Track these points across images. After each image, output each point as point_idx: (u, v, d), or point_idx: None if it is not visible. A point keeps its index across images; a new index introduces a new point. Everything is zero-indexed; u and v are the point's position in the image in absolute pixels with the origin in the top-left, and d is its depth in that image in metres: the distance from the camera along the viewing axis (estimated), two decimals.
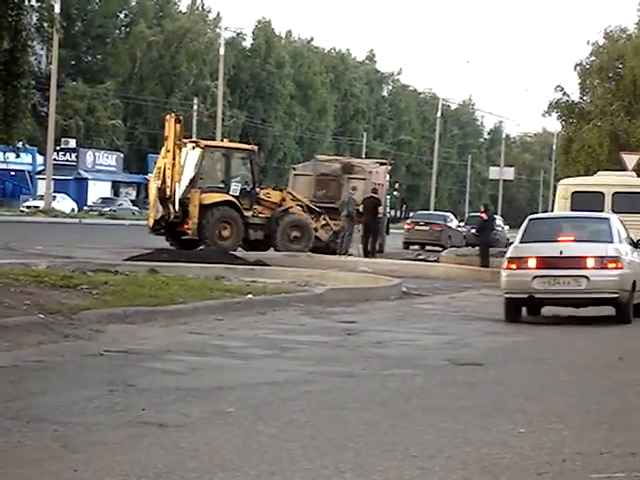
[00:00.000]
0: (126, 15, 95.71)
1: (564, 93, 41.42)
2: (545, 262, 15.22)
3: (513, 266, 15.35)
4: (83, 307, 12.41)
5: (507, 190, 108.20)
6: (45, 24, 15.29)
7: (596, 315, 16.60)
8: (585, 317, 16.63)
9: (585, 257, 15.20)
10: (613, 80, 41.27)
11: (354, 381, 9.33)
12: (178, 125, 29.31)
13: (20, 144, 15.90)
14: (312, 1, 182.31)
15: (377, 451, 6.49)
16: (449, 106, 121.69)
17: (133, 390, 8.29)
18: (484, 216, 31.90)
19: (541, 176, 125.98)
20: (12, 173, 75.17)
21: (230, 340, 11.72)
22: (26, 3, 14.76)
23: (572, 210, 20.54)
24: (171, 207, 29.21)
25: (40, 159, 72.62)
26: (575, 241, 15.56)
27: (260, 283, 17.72)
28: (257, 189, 30.83)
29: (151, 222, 29.87)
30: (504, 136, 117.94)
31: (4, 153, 16.06)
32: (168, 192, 29.22)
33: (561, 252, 15.24)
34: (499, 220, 54.52)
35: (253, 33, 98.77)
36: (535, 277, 15.16)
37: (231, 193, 30.02)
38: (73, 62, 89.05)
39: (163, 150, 29.91)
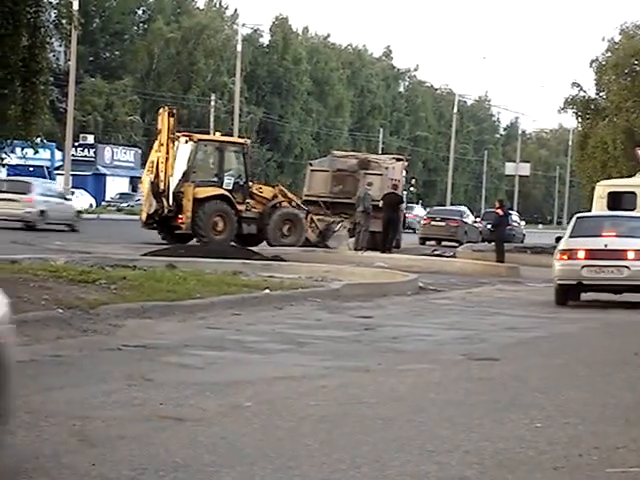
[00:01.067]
0: (144, 12, 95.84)
1: (580, 89, 41.29)
2: (592, 254, 17.60)
3: (565, 257, 17.74)
4: (101, 302, 12.46)
5: (523, 186, 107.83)
6: (63, 21, 15.37)
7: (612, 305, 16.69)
8: (600, 314, 16.67)
9: (626, 250, 17.57)
10: (629, 76, 41.10)
11: (370, 376, 9.35)
12: (172, 119, 29.17)
13: (38, 140, 15.96)
14: None
15: (393, 446, 6.52)
16: (465, 102, 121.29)
17: (151, 384, 8.33)
18: (499, 212, 31.90)
19: (557, 172, 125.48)
20: (31, 169, 75.22)
21: (247, 335, 11.75)
22: (44, 0, 14.82)
23: (608, 208, 22.62)
24: (165, 201, 29.09)
25: (58, 155, 72.74)
26: (617, 236, 17.90)
27: (277, 278, 17.76)
28: (250, 183, 30.75)
29: (144, 216, 29.73)
30: (520, 132, 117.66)
31: (23, 149, 16.11)
32: (162, 186, 29.09)
33: (605, 245, 17.63)
34: (515, 216, 54.47)
35: (270, 30, 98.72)
36: (584, 266, 17.53)
37: (224, 187, 29.92)
38: (91, 58, 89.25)
39: (156, 144, 29.80)
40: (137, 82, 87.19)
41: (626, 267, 17.39)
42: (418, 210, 68.00)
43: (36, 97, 14.62)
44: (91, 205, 68.84)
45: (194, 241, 29.42)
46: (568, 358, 11.10)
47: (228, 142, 32.00)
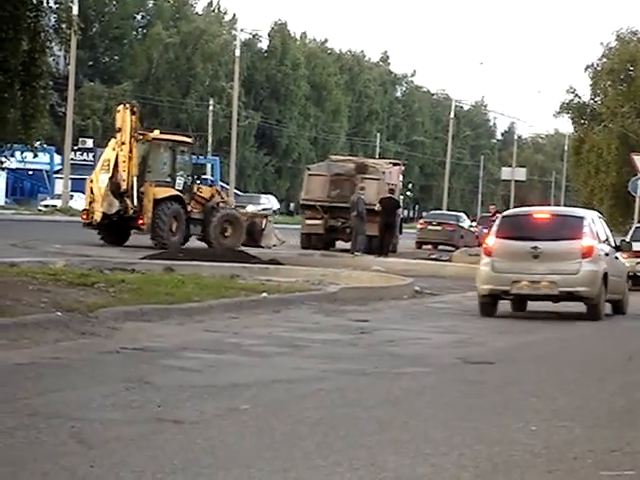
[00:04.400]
0: (143, 17, 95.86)
1: (576, 94, 41.37)
2: None
3: (624, 256, 21.88)
4: (100, 305, 12.49)
5: (519, 190, 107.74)
6: (63, 25, 15.35)
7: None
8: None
9: None
10: (624, 82, 41.16)
11: (367, 379, 9.39)
12: (133, 116, 28.34)
13: (38, 144, 15.96)
14: (327, 3, 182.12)
15: (389, 448, 6.55)
16: (462, 107, 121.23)
17: (149, 387, 8.37)
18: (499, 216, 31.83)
19: (553, 177, 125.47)
20: (30, 172, 75.31)
21: (245, 338, 11.79)
22: (44, 5, 14.84)
23: None
24: (129, 201, 28.32)
25: (58, 159, 72.77)
26: None
27: (274, 282, 17.79)
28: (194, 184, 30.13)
29: (98, 216, 28.60)
30: (516, 137, 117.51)
31: (22, 153, 16.13)
32: (124, 186, 28.28)
33: None
34: None
35: (269, 35, 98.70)
36: (637, 263, 23.35)
37: (176, 187, 29.28)
38: (91, 63, 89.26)
39: (112, 143, 28.74)
40: (136, 87, 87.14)
41: None
42: None
43: (36, 101, 14.64)
44: None
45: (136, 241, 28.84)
46: (563, 362, 11.15)
47: (179, 141, 30.81)
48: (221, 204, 30.63)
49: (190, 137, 33.06)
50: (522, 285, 15.81)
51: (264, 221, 32.02)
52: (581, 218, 16.59)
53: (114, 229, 29.28)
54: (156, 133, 30.57)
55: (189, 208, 29.54)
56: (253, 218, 32.04)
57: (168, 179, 29.57)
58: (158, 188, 28.91)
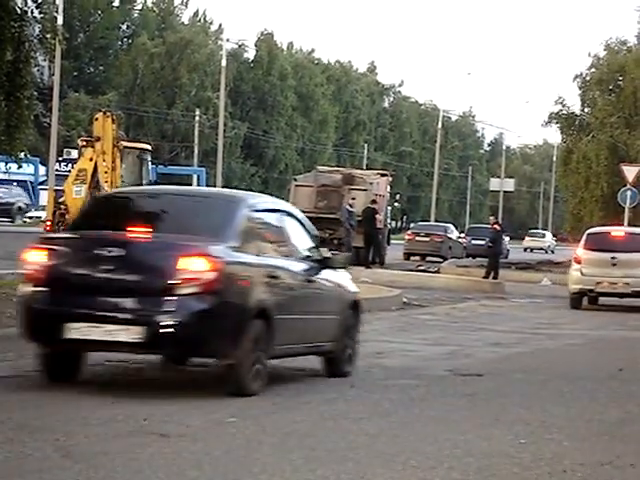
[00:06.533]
0: (128, 27, 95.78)
1: (564, 105, 41.37)
2: None
3: None
4: None
5: (507, 201, 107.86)
6: (48, 35, 15.28)
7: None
8: (583, 331, 16.71)
9: None
10: (613, 92, 41.20)
11: (355, 391, 9.34)
12: (113, 125, 27.61)
13: (22, 155, 15.86)
14: (314, 13, 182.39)
15: (378, 461, 6.50)
16: (450, 118, 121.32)
17: (135, 400, 8.29)
18: (497, 227, 31.79)
19: (541, 187, 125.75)
20: (14, 184, 75.13)
21: None
22: (29, 14, 14.78)
23: None
24: None
25: (42, 170, 72.61)
26: None
27: None
28: None
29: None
30: (504, 147, 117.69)
31: (6, 164, 16.04)
32: None
33: None
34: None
35: (255, 45, 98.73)
36: None
37: None
38: (75, 73, 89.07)
39: (88, 152, 27.80)
40: (121, 97, 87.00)
41: None
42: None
43: (20, 112, 14.56)
44: None
45: None
46: (552, 374, 11.11)
47: (144, 149, 30.25)
48: None
49: (150, 144, 32.66)
50: (604, 285, 21.12)
51: None
52: None
53: None
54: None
55: None
56: None
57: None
58: None
